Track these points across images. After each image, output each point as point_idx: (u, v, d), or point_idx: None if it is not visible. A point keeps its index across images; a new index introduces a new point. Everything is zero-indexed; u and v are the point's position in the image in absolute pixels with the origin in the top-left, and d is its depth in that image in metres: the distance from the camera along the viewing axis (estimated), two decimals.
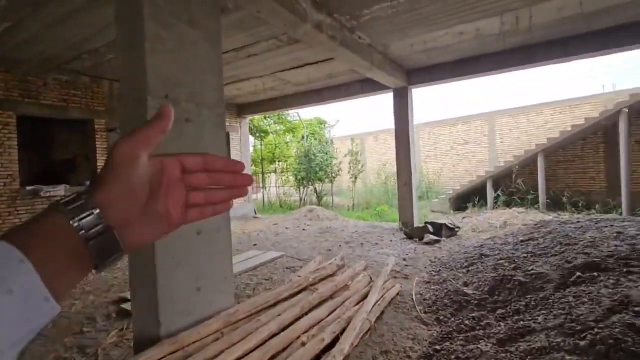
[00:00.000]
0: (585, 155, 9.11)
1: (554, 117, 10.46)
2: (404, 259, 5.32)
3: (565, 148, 9.32)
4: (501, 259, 3.90)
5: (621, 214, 7.62)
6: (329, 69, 7.13)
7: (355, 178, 13.22)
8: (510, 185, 9.39)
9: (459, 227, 6.95)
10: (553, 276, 2.92)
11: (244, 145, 10.72)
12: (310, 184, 12.83)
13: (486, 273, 3.66)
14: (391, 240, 6.71)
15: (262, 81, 7.86)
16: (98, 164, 7.03)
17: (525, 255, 3.71)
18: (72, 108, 6.66)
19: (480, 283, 3.45)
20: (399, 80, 7.01)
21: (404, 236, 6.95)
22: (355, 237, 7.14)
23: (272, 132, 13.73)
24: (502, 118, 11.88)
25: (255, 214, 11.16)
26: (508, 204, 9.24)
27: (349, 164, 13.28)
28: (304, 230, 8.22)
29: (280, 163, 14.58)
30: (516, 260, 3.65)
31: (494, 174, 9.81)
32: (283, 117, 13.18)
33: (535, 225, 5.01)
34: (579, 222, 4.57)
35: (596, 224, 4.33)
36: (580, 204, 8.19)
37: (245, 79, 7.69)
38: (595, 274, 2.72)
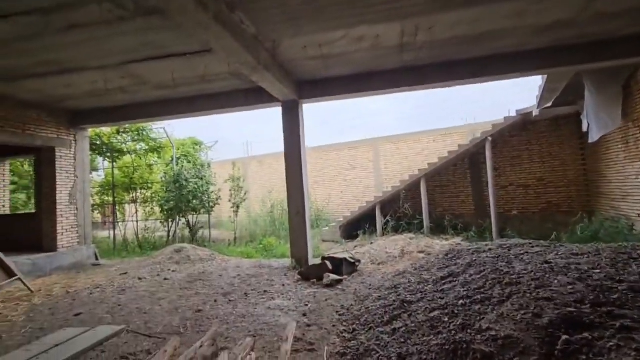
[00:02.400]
0: (456, 180, 9.87)
1: (429, 145, 11.32)
2: (304, 314, 3.97)
3: (440, 173, 9.95)
4: (434, 309, 2.96)
5: (491, 233, 8.21)
6: (202, 67, 5.56)
7: (237, 207, 11.47)
8: (397, 210, 9.36)
9: (359, 261, 6.09)
10: (528, 341, 2.03)
11: (79, 165, 7.81)
12: (181, 215, 10.47)
13: (424, 336, 2.62)
14: (283, 285, 5.31)
15: (104, 76, 5.67)
16: None
17: (463, 302, 2.85)
18: None
19: (423, 357, 2.36)
20: (289, 91, 5.97)
21: (299, 277, 5.66)
22: (237, 284, 5.46)
23: (129, 152, 10.85)
24: (386, 144, 12.31)
25: (97, 259, 8.16)
26: (396, 229, 9.12)
27: (230, 191, 11.50)
28: (165, 279, 6.05)
29: (143, 190, 11.66)
30: (456, 312, 2.74)
31: (382, 198, 9.68)
32: (144, 132, 10.58)
33: (446, 255, 4.44)
34: (490, 249, 4.14)
35: (509, 250, 3.92)
36: (459, 227, 8.60)
37: (75, 69, 5.38)
38: (587, 335, 1.92)
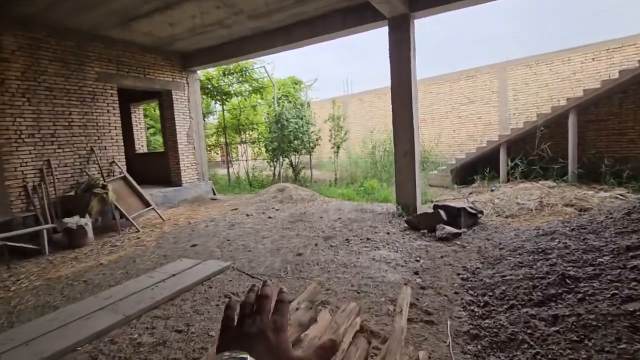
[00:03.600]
0: (623, 112, 7.27)
1: (585, 65, 8.50)
2: (416, 272, 3.35)
3: (598, 104, 7.46)
4: (630, 299, 1.95)
5: None
6: None
7: (338, 148, 11.09)
8: (530, 151, 7.52)
9: (481, 212, 5.04)
10: None
11: (193, 107, 8.29)
12: (284, 155, 10.67)
13: (618, 342, 1.70)
14: (388, 233, 4.74)
15: (199, 7, 5.40)
16: None
17: None
18: None
19: None
20: (397, 2, 4.76)
21: (406, 225, 5.00)
22: (338, 228, 5.13)
23: (235, 94, 11.25)
24: (517, 69, 9.79)
25: (214, 194, 8.98)
26: (526, 175, 7.43)
27: (330, 131, 11.09)
28: (269, 218, 6.14)
29: (250, 132, 12.23)
30: None
31: (509, 137, 7.89)
32: (247, 73, 10.68)
33: (628, 215, 3.10)
34: None
35: None
36: (623, 174, 6.43)
37: (174, 3, 5.22)
38: None
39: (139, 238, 5.45)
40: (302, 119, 10.29)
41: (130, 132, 9.73)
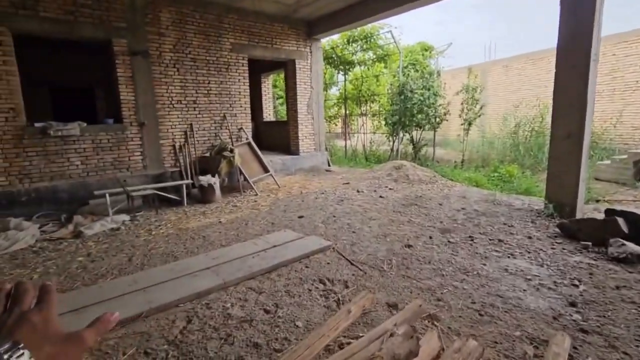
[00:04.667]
0: None
1: None
2: (572, 304, 2.40)
3: None
4: None
5: None
6: None
7: (469, 124, 9.54)
8: None
9: None
10: None
11: (314, 76, 8.23)
12: (405, 130, 9.81)
13: None
14: (530, 237, 3.68)
15: None
16: (121, 97, 5.63)
17: None
18: (82, 24, 5.18)
19: None
20: None
21: (558, 230, 3.80)
22: (460, 221, 4.29)
23: (359, 63, 10.75)
24: None
25: (329, 165, 8.97)
26: None
27: (462, 104, 9.59)
28: (380, 197, 5.66)
29: (371, 104, 11.69)
30: None
31: None
32: (372, 39, 9.96)
33: None
34: None
35: None
36: None
37: None
38: None
39: (255, 201, 5.78)
40: (429, 89, 9.14)
41: (259, 101, 10.47)
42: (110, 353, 2.00)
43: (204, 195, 5.81)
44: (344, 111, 11.90)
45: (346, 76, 11.10)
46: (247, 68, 7.05)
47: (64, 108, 8.90)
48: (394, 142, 10.34)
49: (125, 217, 4.84)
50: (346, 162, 10.44)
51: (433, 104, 9.20)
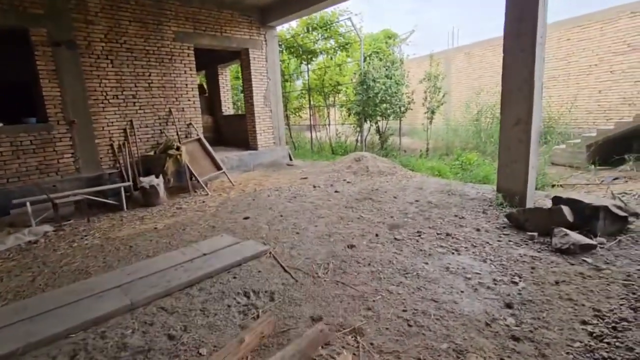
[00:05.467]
0: None
1: None
2: (509, 305, 2.22)
3: None
4: None
5: None
6: None
7: (432, 113, 9.46)
8: None
9: (635, 214, 3.34)
10: None
11: (270, 66, 7.82)
12: (371, 121, 9.60)
13: None
14: (478, 230, 3.53)
15: None
16: (44, 93, 5.04)
17: None
18: None
19: None
20: None
21: (506, 221, 3.67)
22: (411, 214, 4.11)
23: (321, 52, 10.41)
24: None
25: (290, 160, 8.64)
26: None
27: (425, 92, 9.48)
28: (336, 192, 5.41)
29: (336, 94, 11.39)
30: None
31: None
32: (332, 27, 9.62)
33: None
34: None
35: None
36: None
37: None
38: None
39: (203, 202, 5.39)
40: (391, 78, 8.94)
41: (218, 94, 9.95)
42: None
43: (146, 198, 5.37)
44: (309, 102, 11.55)
45: (309, 66, 10.72)
46: (193, 59, 6.56)
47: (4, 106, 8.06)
48: (360, 133, 10.13)
49: (48, 228, 4.35)
50: (311, 156, 10.15)
51: (396, 93, 9.01)
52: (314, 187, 5.88)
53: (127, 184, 5.45)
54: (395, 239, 3.43)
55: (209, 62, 9.67)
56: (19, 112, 6.36)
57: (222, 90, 9.98)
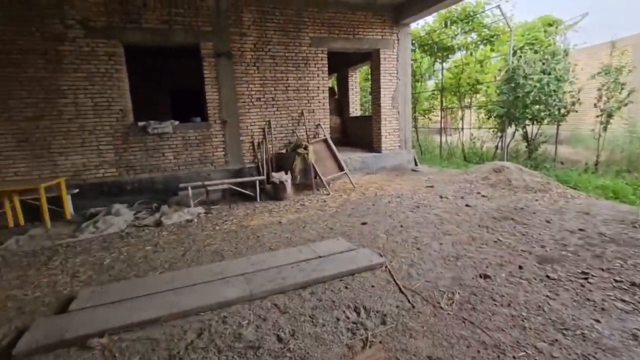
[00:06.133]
0: None
1: None
2: None
3: None
4: None
5: None
6: None
7: (609, 116, 7.36)
8: None
9: None
10: None
11: (401, 66, 7.46)
12: (516, 125, 8.15)
13: None
14: None
15: None
16: (207, 97, 6.04)
17: None
18: (175, 31, 5.69)
19: None
20: None
21: None
22: (572, 247, 3.19)
23: (459, 48, 9.35)
24: None
25: (415, 165, 8.10)
26: None
27: (599, 90, 7.46)
28: (467, 206, 4.73)
29: (474, 94, 10.13)
30: None
31: None
32: (475, 18, 8.47)
33: None
34: None
35: None
36: None
37: None
38: None
39: (325, 201, 5.51)
40: (549, 74, 7.35)
41: (346, 95, 10.16)
42: (117, 357, 1.97)
43: (275, 192, 5.83)
44: (440, 104, 10.65)
45: (443, 64, 9.86)
46: (326, 62, 6.80)
47: (182, 108, 10.34)
48: (501, 138, 8.74)
49: (201, 210, 5.17)
50: (439, 162, 9.32)
51: (555, 91, 7.37)
52: (441, 197, 5.29)
53: (261, 177, 6.03)
54: (548, 276, 2.68)
55: (340, 65, 9.95)
56: (190, 113, 7.88)
57: (351, 92, 10.14)
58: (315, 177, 6.30)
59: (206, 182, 5.57)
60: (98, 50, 5.33)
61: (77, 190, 5.39)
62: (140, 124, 5.74)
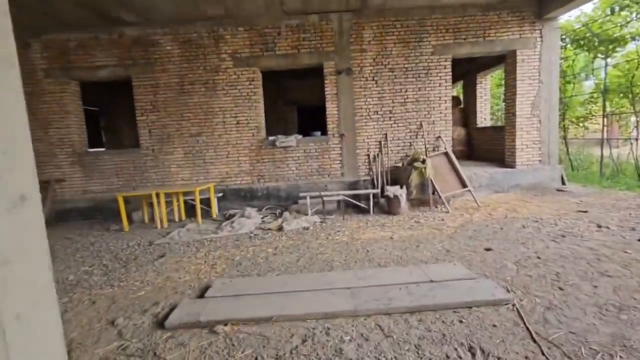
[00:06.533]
0: None
1: None
2: None
3: None
4: None
5: None
6: None
7: None
8: None
9: None
10: None
11: (545, 67, 6.32)
12: None
13: None
14: None
15: None
16: (327, 112, 6.40)
17: None
18: (302, 54, 6.26)
19: None
20: None
21: None
22: None
23: (633, 38, 7.26)
24: None
25: (563, 183, 6.69)
26: None
27: None
28: (639, 241, 3.62)
29: None
30: None
31: None
32: None
33: None
34: None
35: None
36: None
37: None
38: None
39: (442, 220, 5.10)
40: None
41: (473, 104, 9.24)
42: (235, 346, 2.22)
43: (389, 207, 5.71)
44: (602, 108, 8.57)
45: (607, 60, 7.93)
46: (450, 70, 6.35)
47: (308, 121, 11.45)
48: None
49: (317, 219, 5.47)
50: (599, 181, 7.49)
51: None
52: (599, 226, 4.21)
53: (375, 191, 6.01)
54: None
55: (467, 71, 9.15)
56: (314, 126, 8.52)
57: (479, 101, 9.17)
58: (434, 193, 5.90)
59: (323, 193, 5.87)
60: (242, 77, 6.31)
61: (221, 194, 6.45)
62: (271, 138, 6.49)
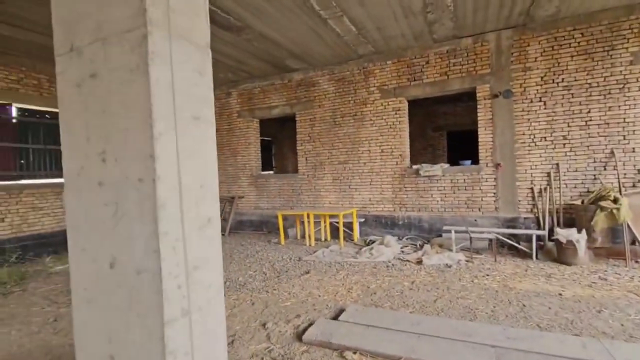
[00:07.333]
0: None
1: None
2: None
3: None
4: None
5: None
6: None
7: None
8: None
9: None
10: None
11: None
12: None
13: None
14: None
15: None
16: (479, 139, 5.82)
17: None
18: (452, 79, 5.96)
19: None
20: None
21: None
22: None
23: None
24: None
25: None
26: None
27: None
28: None
29: None
30: None
31: None
32: None
33: None
34: None
35: None
36: None
37: None
38: None
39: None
40: None
41: None
42: None
43: (560, 254, 4.65)
44: None
45: None
46: None
47: (458, 148, 10.82)
48: None
49: (462, 257, 4.96)
50: None
51: None
52: None
53: (541, 232, 5.02)
54: None
55: None
56: (465, 153, 7.89)
57: None
58: (634, 243, 4.47)
59: (471, 228, 5.31)
60: (388, 107, 6.52)
61: (363, 220, 6.70)
62: (414, 167, 6.38)
